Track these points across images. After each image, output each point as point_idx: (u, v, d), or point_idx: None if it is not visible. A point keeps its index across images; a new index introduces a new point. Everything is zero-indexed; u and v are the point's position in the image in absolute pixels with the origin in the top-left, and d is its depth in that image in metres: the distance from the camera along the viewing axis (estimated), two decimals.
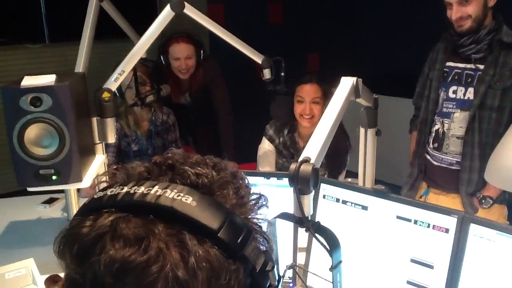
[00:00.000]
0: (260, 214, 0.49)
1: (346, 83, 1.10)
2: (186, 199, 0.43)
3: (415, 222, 1.29)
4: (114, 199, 0.44)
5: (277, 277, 0.48)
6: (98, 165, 1.72)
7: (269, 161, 2.38)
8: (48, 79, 1.44)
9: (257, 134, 2.58)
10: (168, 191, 0.44)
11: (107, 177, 0.50)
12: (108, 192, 0.46)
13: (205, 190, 0.47)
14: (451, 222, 1.23)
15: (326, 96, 2.25)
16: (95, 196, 0.46)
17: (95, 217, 0.44)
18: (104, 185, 0.49)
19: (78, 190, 1.89)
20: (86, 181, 1.55)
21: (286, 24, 4.35)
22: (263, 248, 0.47)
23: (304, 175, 0.77)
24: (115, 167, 0.50)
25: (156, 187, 0.45)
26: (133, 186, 0.45)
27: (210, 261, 0.42)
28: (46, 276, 1.54)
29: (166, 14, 1.79)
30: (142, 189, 0.44)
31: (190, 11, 1.82)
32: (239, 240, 0.44)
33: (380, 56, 4.32)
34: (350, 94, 1.08)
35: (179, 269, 0.40)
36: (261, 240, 0.47)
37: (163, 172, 0.48)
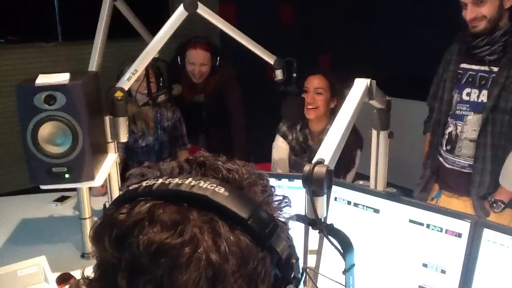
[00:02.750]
0: (285, 213, 0.52)
1: (360, 85, 1.09)
2: (219, 190, 0.47)
3: (428, 226, 1.28)
4: (150, 189, 0.47)
5: (300, 271, 0.50)
6: (110, 164, 1.73)
7: (283, 159, 2.41)
8: (62, 78, 1.45)
9: (267, 135, 2.59)
10: (202, 182, 0.47)
11: (140, 173, 0.52)
12: (144, 183, 0.49)
13: (235, 184, 0.49)
14: (464, 227, 1.22)
15: (332, 89, 2.29)
16: (130, 188, 0.49)
17: (132, 205, 0.46)
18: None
19: (90, 188, 1.90)
20: (98, 180, 1.56)
21: (298, 24, 4.34)
22: (288, 242, 0.49)
23: (318, 176, 0.76)
24: (147, 164, 0.53)
25: (190, 178, 0.48)
26: (168, 178, 0.48)
27: (240, 247, 0.45)
28: (58, 274, 1.56)
29: (179, 14, 1.80)
30: (176, 180, 0.48)
31: (203, 11, 1.82)
32: (267, 230, 0.47)
33: (393, 57, 4.29)
34: (364, 95, 1.07)
35: (212, 252, 0.43)
36: (287, 235, 0.50)
37: (194, 167, 0.51)
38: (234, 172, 0.50)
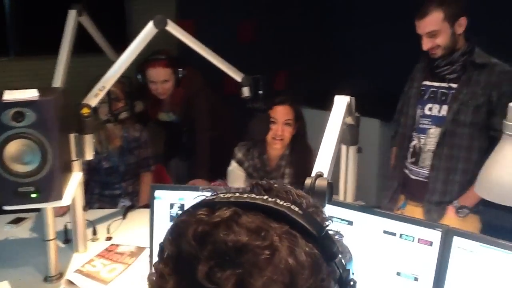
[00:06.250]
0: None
1: (341, 101, 1.14)
2: (294, 208, 0.51)
3: (401, 236, 1.33)
4: (228, 199, 0.52)
5: None
6: (76, 183, 1.68)
7: (239, 184, 2.34)
8: (31, 94, 1.41)
9: (228, 150, 2.57)
10: (278, 200, 0.52)
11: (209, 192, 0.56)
12: (220, 195, 0.53)
13: (304, 208, 0.54)
14: (435, 235, 1.28)
15: (297, 118, 2.30)
16: (206, 198, 0.53)
17: (211, 210, 0.51)
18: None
19: None
20: (66, 199, 1.51)
21: (256, 42, 4.41)
22: (346, 266, 0.54)
23: (320, 189, 0.79)
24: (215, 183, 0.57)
25: (266, 196, 0.52)
26: (243, 194, 0.53)
27: (313, 258, 0.49)
28: None
29: (148, 31, 1.80)
30: (253, 195, 0.52)
31: (172, 28, 1.83)
32: (334, 250, 0.52)
33: (350, 75, 4.41)
34: (346, 111, 1.12)
35: (290, 258, 0.47)
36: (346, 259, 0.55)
37: (263, 191, 0.55)
38: (303, 198, 0.55)
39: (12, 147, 1.38)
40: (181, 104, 2.83)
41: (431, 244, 1.29)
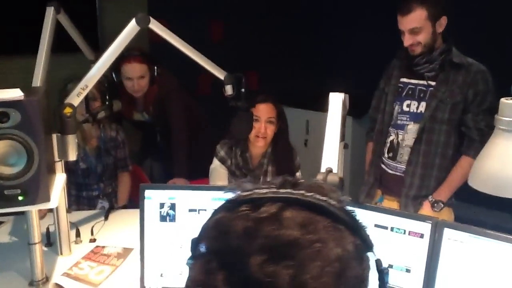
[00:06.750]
0: None
1: (337, 99, 1.15)
2: (331, 201, 0.53)
3: (392, 229, 1.37)
4: (265, 194, 0.52)
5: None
6: (61, 185, 1.64)
7: (222, 182, 2.35)
8: (15, 94, 1.36)
9: (206, 150, 2.56)
10: (315, 194, 0.52)
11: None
12: (255, 190, 0.53)
13: (339, 201, 0.55)
14: (426, 228, 1.32)
15: (279, 116, 2.31)
16: (242, 194, 0.53)
17: (255, 205, 0.51)
18: None
19: None
20: (53, 201, 1.47)
21: (227, 41, 4.40)
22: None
23: (331, 184, 0.80)
24: (241, 180, 0.58)
25: (302, 191, 0.52)
26: (279, 189, 0.53)
27: (357, 250, 0.52)
28: None
29: (131, 29, 1.76)
30: (289, 190, 0.52)
31: (155, 26, 1.80)
32: (370, 239, 0.54)
33: (320, 75, 4.48)
34: (343, 108, 1.14)
35: (338, 248, 0.49)
36: None
37: (292, 186, 0.55)
38: (332, 192, 0.56)
39: None
40: (153, 105, 2.80)
41: (422, 236, 1.33)
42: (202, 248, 0.53)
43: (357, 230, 0.53)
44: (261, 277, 0.46)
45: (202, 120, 3.03)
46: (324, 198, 0.53)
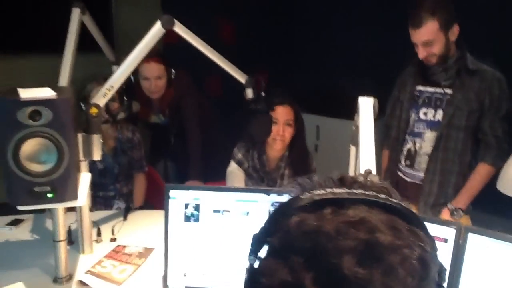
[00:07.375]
0: None
1: (367, 103, 1.17)
2: (403, 203, 0.54)
3: None
4: (340, 196, 0.53)
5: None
6: (86, 184, 1.66)
7: (239, 184, 2.36)
8: (47, 93, 1.39)
9: (221, 152, 2.58)
10: (389, 197, 0.54)
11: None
12: (328, 190, 0.54)
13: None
14: (450, 233, 1.34)
15: (297, 118, 2.32)
16: (316, 193, 0.53)
17: (336, 208, 0.52)
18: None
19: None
20: (81, 199, 1.49)
21: (238, 43, 4.44)
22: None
23: (377, 184, 0.82)
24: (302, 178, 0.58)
25: (373, 192, 0.54)
26: (350, 189, 0.54)
27: (434, 251, 0.53)
28: None
29: (156, 31, 1.79)
30: (361, 191, 0.54)
31: (179, 28, 1.83)
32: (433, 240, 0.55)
33: (328, 75, 4.49)
34: (374, 112, 1.16)
35: (422, 252, 0.51)
36: None
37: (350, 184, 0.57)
38: (394, 193, 0.57)
39: (28, 146, 1.35)
40: (170, 108, 2.82)
41: (445, 241, 1.34)
42: (272, 246, 0.53)
43: (427, 231, 0.54)
44: (353, 279, 0.47)
45: (214, 121, 3.05)
46: (397, 200, 0.54)
